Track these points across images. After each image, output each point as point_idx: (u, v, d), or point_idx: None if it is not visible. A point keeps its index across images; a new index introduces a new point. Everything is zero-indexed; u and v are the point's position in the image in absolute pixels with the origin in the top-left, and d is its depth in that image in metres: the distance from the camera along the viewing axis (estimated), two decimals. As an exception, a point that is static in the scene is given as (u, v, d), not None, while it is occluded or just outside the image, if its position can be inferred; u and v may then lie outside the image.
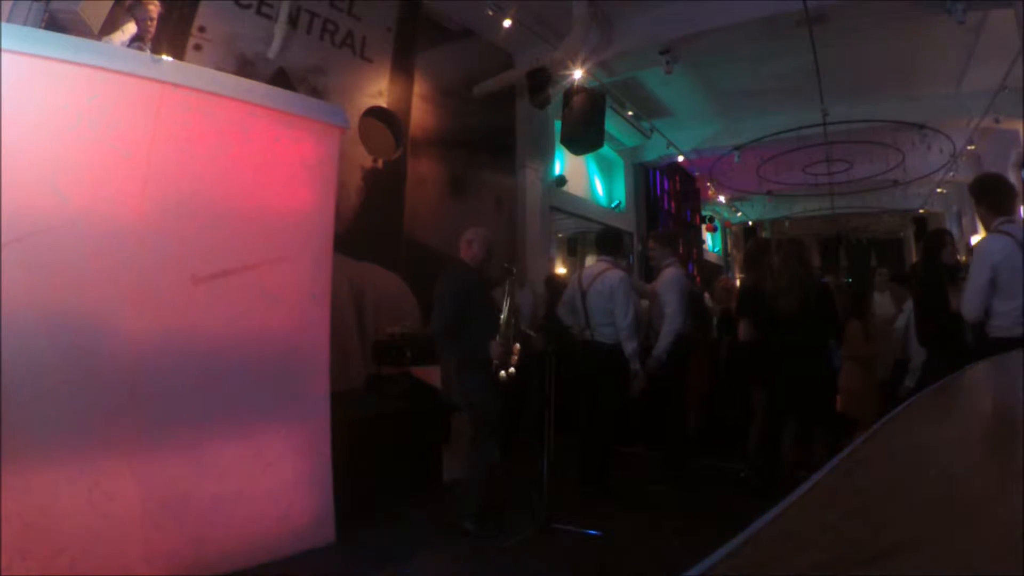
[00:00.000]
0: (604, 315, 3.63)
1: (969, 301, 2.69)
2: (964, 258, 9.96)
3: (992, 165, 8.19)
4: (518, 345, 3.06)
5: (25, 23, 2.66)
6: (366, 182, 4.58)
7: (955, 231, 11.17)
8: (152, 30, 2.96)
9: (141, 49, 2.82)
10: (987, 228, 2.77)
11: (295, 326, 2.81)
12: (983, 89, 6.22)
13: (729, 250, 14.13)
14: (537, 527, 2.98)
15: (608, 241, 4.02)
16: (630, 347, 3.53)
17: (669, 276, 3.94)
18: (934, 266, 3.31)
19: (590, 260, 6.95)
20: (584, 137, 5.40)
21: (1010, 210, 2.75)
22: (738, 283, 5.81)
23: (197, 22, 3.66)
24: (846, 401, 3.86)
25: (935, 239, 3.42)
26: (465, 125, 5.53)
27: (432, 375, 3.78)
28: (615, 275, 3.66)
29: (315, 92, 4.20)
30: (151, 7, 2.91)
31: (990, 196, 2.82)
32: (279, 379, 2.74)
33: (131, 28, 2.89)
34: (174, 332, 2.42)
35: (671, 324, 3.72)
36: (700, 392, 4.53)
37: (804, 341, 3.39)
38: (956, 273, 3.20)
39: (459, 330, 2.99)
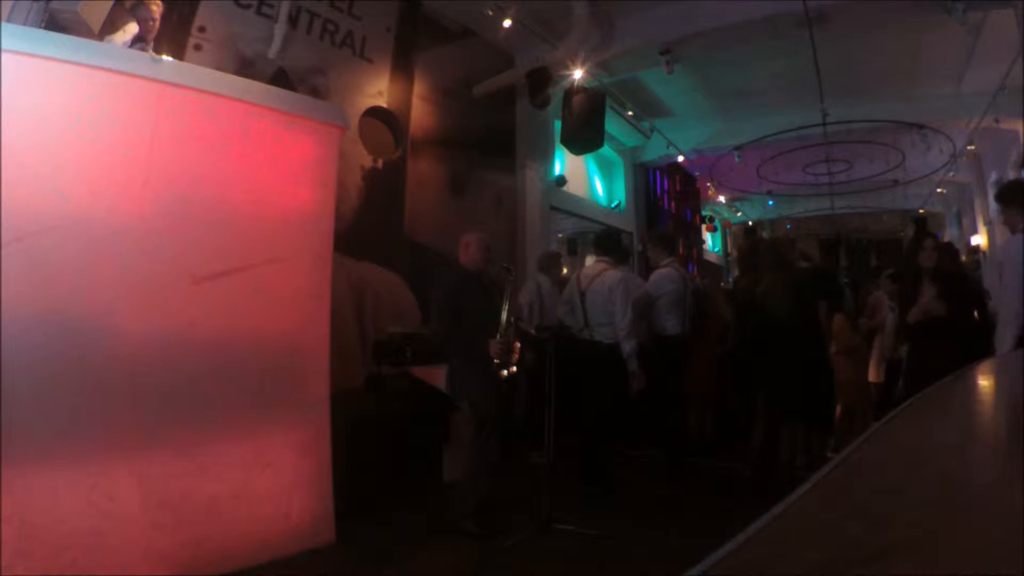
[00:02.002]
0: (603, 315, 3.65)
1: (1009, 304, 2.67)
2: (965, 258, 9.96)
3: (992, 165, 8.19)
4: (519, 344, 3.06)
5: (25, 23, 2.66)
6: (366, 182, 4.58)
7: (955, 231, 11.16)
8: (155, 30, 2.96)
9: (143, 49, 2.82)
10: (1014, 231, 2.81)
11: (295, 326, 2.81)
12: (983, 89, 6.21)
13: (729, 250, 14.13)
14: (537, 527, 2.98)
15: (606, 241, 4.05)
16: (628, 347, 3.55)
17: (654, 277, 4.07)
18: (911, 268, 3.37)
19: (590, 260, 6.96)
20: (584, 137, 5.40)
21: None
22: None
23: (197, 22, 3.65)
24: (839, 393, 3.93)
25: (913, 243, 3.47)
26: (465, 125, 5.53)
27: (432, 375, 3.78)
28: (613, 276, 3.68)
29: (315, 92, 4.19)
30: (153, 7, 2.91)
31: (1020, 199, 2.85)
32: (279, 379, 2.73)
33: (133, 28, 2.88)
34: (174, 332, 2.42)
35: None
36: (703, 392, 4.52)
37: (793, 342, 3.40)
38: (934, 274, 3.24)
39: (455, 331, 3.01)
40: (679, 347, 4.02)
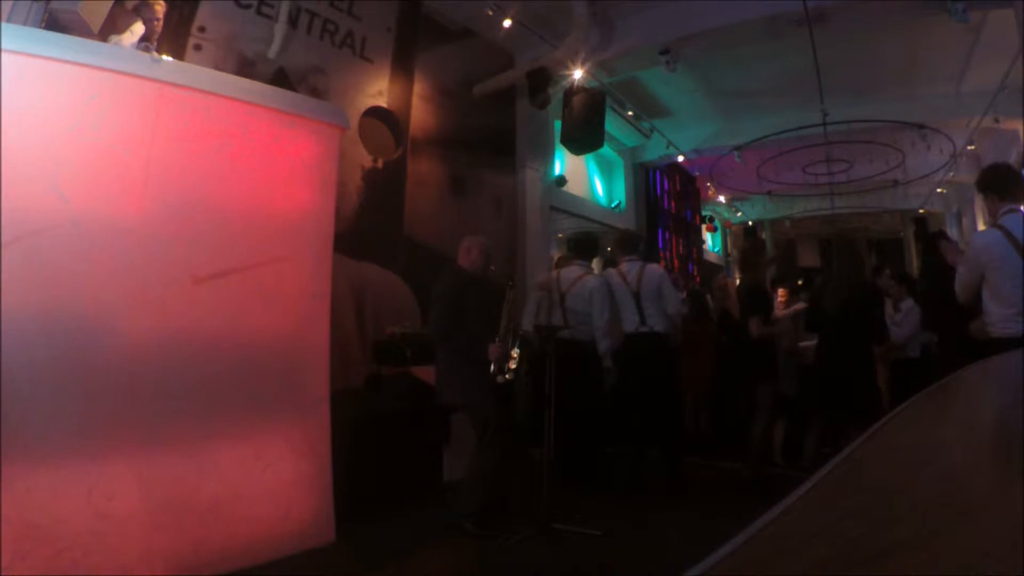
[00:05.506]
0: (583, 317, 3.79)
1: (958, 294, 2.83)
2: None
3: (992, 165, 8.17)
4: (517, 349, 3.08)
5: (25, 23, 2.66)
6: (366, 182, 4.58)
7: (955, 231, 11.15)
8: (159, 30, 2.96)
9: (148, 50, 2.82)
10: (993, 220, 2.73)
11: (295, 326, 2.81)
12: (983, 89, 6.21)
13: (729, 250, 14.12)
14: (537, 527, 2.98)
15: (583, 245, 4.15)
16: (604, 345, 3.69)
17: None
18: (937, 266, 3.36)
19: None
20: (584, 137, 5.40)
21: (1013, 197, 2.69)
22: (737, 282, 5.79)
23: (197, 22, 3.65)
24: None
25: (934, 241, 3.46)
26: (465, 125, 5.52)
27: (432, 375, 3.78)
28: (593, 280, 3.85)
29: (315, 92, 4.19)
30: (157, 7, 2.91)
31: (993, 185, 2.76)
32: (279, 379, 2.73)
33: (139, 29, 2.88)
34: (174, 332, 2.42)
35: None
36: (701, 391, 4.52)
37: (846, 341, 3.43)
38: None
39: (453, 333, 3.01)
40: (671, 345, 4.03)
